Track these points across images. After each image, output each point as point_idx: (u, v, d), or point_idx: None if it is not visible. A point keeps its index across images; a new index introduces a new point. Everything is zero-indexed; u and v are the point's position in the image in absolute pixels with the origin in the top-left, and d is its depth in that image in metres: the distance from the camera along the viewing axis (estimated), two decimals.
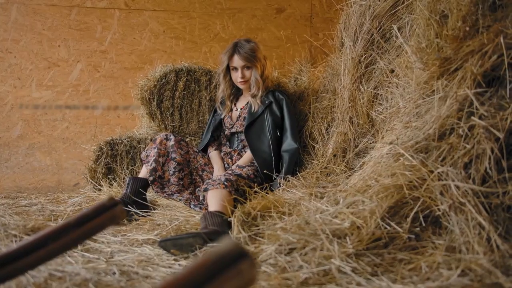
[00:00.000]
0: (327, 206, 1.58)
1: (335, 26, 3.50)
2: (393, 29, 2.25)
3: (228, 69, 2.48)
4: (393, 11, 2.25)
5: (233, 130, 2.52)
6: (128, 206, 2.06)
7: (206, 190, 1.98)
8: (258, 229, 1.52)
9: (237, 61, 2.40)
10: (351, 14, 2.43)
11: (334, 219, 1.44)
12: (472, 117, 1.43)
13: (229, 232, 1.58)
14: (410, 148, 1.57)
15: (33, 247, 0.89)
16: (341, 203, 1.55)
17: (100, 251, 1.55)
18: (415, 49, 1.87)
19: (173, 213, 2.04)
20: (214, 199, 1.87)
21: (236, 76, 2.44)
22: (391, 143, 1.73)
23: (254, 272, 0.48)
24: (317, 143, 2.47)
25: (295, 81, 3.07)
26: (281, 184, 2.11)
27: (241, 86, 2.48)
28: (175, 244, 1.45)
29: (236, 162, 2.41)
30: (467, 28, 1.59)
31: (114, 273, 1.26)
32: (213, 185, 1.96)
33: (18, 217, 2.03)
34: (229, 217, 1.73)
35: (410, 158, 1.51)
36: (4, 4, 3.26)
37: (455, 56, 1.64)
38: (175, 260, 1.43)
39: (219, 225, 1.62)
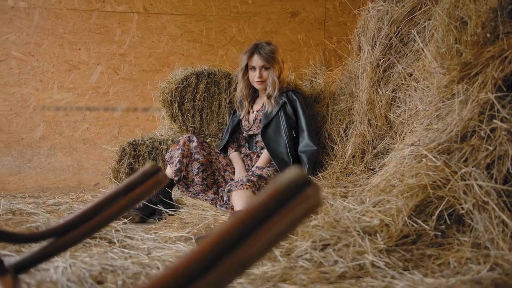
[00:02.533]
0: (353, 205, 1.65)
1: (348, 30, 3.58)
2: (411, 34, 2.32)
3: (246, 69, 2.55)
4: (411, 17, 2.32)
5: (251, 132, 2.59)
6: (157, 205, 2.14)
7: (229, 191, 2.05)
8: None
9: (256, 60, 2.47)
10: (369, 19, 2.50)
11: (362, 217, 1.52)
12: (494, 120, 1.50)
13: None
14: (433, 149, 1.63)
15: (89, 215, 0.96)
16: (367, 202, 1.62)
17: (137, 248, 1.62)
18: (435, 54, 1.94)
19: (199, 212, 2.11)
20: (240, 199, 1.94)
21: (254, 76, 2.51)
22: (412, 144, 1.80)
23: (319, 197, 0.54)
24: (335, 144, 2.54)
25: (310, 83, 3.14)
26: None
27: (257, 86, 2.55)
28: None
29: (255, 163, 2.48)
30: (488, 35, 1.65)
31: (158, 268, 1.33)
32: (236, 186, 2.04)
33: (50, 215, 2.11)
34: None
35: (434, 159, 1.58)
36: (27, 9, 3.35)
37: (475, 61, 1.70)
38: None
39: None
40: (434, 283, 1.12)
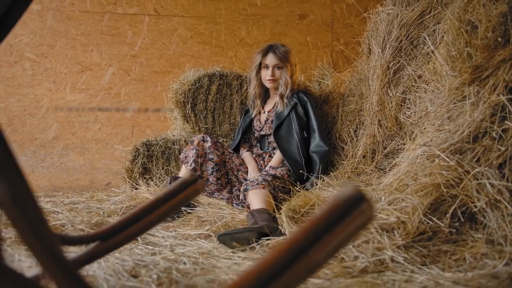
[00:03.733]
0: None
1: (355, 32, 3.64)
2: (420, 37, 2.38)
3: (260, 68, 2.60)
4: (421, 20, 2.37)
5: (262, 132, 2.65)
6: None
7: (246, 190, 2.11)
8: None
9: (270, 59, 2.53)
10: (379, 22, 2.56)
11: (378, 214, 1.57)
12: (506, 121, 1.55)
13: (278, 226, 1.71)
14: (445, 149, 1.69)
15: (132, 220, 1.01)
16: (383, 201, 1.68)
17: (159, 245, 1.67)
18: (446, 56, 2.00)
19: (215, 210, 2.17)
20: (257, 198, 2.00)
21: (266, 74, 2.56)
22: (425, 144, 1.86)
23: (372, 211, 0.60)
24: (346, 145, 2.59)
25: (319, 84, 3.20)
26: (317, 183, 2.24)
27: (268, 85, 2.60)
28: (232, 238, 1.57)
29: (267, 163, 2.54)
30: (499, 39, 1.71)
31: (185, 263, 1.39)
32: (252, 186, 2.09)
33: (69, 214, 2.17)
34: (273, 213, 1.87)
35: (447, 159, 1.63)
36: (41, 11, 3.40)
37: (486, 65, 1.76)
38: (232, 252, 1.56)
39: (267, 220, 1.75)
40: (453, 277, 1.18)
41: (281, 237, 1.59)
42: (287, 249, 0.54)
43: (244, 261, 1.44)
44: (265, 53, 2.54)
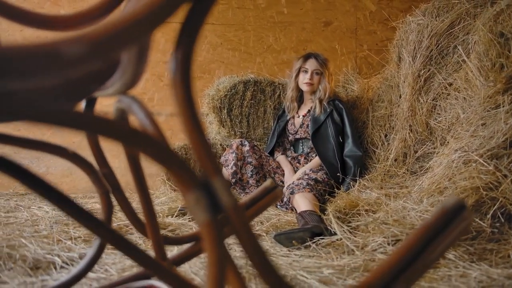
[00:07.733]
0: (412, 205, 1.84)
1: (378, 38, 3.76)
2: (450, 46, 2.50)
3: (299, 72, 2.75)
4: (450, 31, 2.49)
5: (297, 136, 2.78)
6: None
7: (292, 193, 2.24)
8: (357, 224, 1.78)
9: (311, 63, 2.68)
10: (409, 32, 2.69)
11: (423, 215, 1.70)
12: None
13: (328, 226, 1.84)
14: (483, 154, 1.82)
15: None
16: (425, 203, 1.80)
17: None
18: (479, 66, 2.12)
19: None
20: (304, 201, 2.12)
21: (304, 78, 2.70)
22: (460, 150, 1.98)
23: (471, 217, 0.73)
24: (377, 148, 2.72)
25: (346, 90, 3.33)
26: (353, 186, 2.37)
27: (304, 88, 2.74)
28: (288, 237, 1.70)
29: (303, 166, 2.67)
30: None
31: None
32: (298, 189, 2.22)
33: (122, 214, 2.30)
34: (320, 215, 2.00)
35: (485, 163, 1.76)
36: None
37: None
38: (288, 250, 1.69)
39: (317, 221, 1.88)
40: (503, 272, 1.31)
41: (333, 237, 1.72)
42: (408, 248, 0.67)
43: (301, 258, 1.57)
44: (306, 58, 2.69)
